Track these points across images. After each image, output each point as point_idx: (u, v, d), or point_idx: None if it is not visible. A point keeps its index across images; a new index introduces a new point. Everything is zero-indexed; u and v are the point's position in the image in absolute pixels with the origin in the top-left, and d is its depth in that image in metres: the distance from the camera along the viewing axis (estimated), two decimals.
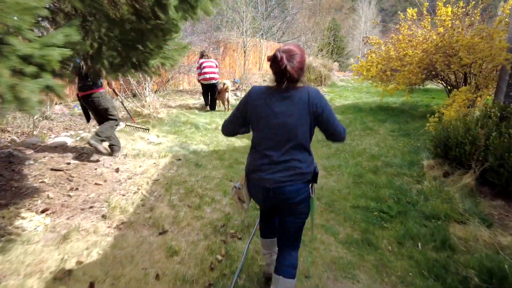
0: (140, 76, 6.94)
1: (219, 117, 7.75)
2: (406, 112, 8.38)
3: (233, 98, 10.39)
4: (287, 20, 26.19)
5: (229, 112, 6.33)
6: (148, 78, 7.04)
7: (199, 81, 8.41)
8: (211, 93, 8.44)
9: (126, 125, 5.59)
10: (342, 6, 39.61)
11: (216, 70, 8.27)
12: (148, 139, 5.26)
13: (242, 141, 5.66)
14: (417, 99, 10.65)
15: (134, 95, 7.71)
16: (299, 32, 27.40)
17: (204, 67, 8.16)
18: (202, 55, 8.36)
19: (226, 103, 8.62)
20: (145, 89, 7.19)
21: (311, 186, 1.81)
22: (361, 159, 4.76)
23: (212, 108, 8.55)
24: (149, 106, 6.68)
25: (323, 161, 4.73)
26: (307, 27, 27.35)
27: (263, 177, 1.74)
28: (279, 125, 1.69)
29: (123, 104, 5.78)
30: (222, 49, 13.69)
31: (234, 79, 12.75)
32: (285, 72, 1.65)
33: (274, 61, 1.67)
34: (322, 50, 21.40)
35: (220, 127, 5.84)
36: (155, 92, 10.41)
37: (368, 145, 5.53)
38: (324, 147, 5.47)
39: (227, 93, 8.45)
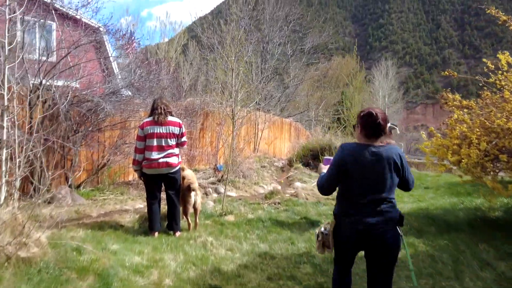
0: None
1: (175, 250, 4.39)
2: None
3: (211, 199, 7.19)
4: (288, 92, 24.81)
5: (197, 233, 5.14)
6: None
7: (135, 170, 5.29)
8: (169, 196, 5.24)
9: None
10: (352, 78, 39.31)
11: (178, 144, 5.21)
12: None
13: None
14: None
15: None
16: (303, 107, 25.90)
17: (151, 137, 5.09)
18: (152, 109, 5.19)
19: (191, 211, 5.35)
20: None
21: (399, 228, 2.47)
22: None
23: (171, 227, 5.24)
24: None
25: None
26: (312, 101, 25.99)
27: (359, 219, 2.39)
28: (371, 176, 2.40)
29: None
30: (202, 120, 10.95)
31: (216, 165, 9.75)
32: (379, 127, 2.42)
33: (370, 115, 2.44)
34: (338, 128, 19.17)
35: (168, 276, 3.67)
36: (77, 186, 7.21)
37: None
38: None
39: (193, 195, 5.25)
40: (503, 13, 6.29)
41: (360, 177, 2.38)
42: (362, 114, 2.47)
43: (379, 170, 2.38)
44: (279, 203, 7.20)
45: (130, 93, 8.28)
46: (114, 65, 11.51)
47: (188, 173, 5.49)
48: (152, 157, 5.01)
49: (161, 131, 5.01)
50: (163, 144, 5.01)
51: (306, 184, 9.50)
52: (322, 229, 2.57)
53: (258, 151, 14.06)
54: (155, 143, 5.02)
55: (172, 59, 24.05)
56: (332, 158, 2.67)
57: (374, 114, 2.41)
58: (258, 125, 13.69)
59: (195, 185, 5.31)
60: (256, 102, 14.46)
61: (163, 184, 5.22)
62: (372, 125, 2.41)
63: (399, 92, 36.30)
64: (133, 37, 15.79)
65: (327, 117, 21.48)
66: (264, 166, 12.26)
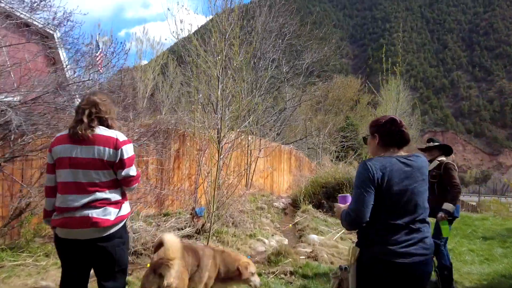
0: None
1: None
2: None
3: None
4: (284, 116, 23.15)
5: None
6: None
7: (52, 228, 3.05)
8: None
9: None
10: (356, 101, 38.17)
11: (116, 182, 3.03)
12: None
13: None
14: None
15: None
16: (302, 133, 24.28)
17: (63, 166, 2.94)
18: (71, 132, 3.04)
19: None
20: None
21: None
22: None
23: None
24: None
25: None
26: (313, 126, 24.47)
27: (395, 250, 2.20)
28: (406, 193, 2.29)
29: None
30: (177, 145, 9.04)
31: (194, 208, 7.61)
32: (403, 135, 2.40)
33: (393, 122, 2.42)
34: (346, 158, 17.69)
35: None
36: None
37: None
38: None
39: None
40: None
41: (395, 194, 2.25)
42: (383, 121, 2.44)
43: (414, 184, 2.31)
44: (292, 273, 5.05)
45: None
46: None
47: (169, 242, 3.19)
48: (64, 206, 2.85)
49: (79, 156, 2.84)
50: (83, 181, 2.84)
51: (325, 237, 7.40)
52: (344, 265, 2.45)
53: (252, 186, 12.15)
54: (69, 179, 2.86)
55: (149, 81, 22.26)
56: (347, 195, 2.60)
57: (398, 121, 2.43)
58: (251, 153, 11.70)
59: (172, 273, 3.06)
60: (249, 122, 12.50)
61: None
62: (396, 133, 2.39)
63: (412, 117, 34.70)
64: (101, 51, 14.31)
65: (333, 144, 19.72)
66: (261, 207, 10.24)
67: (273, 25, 22.02)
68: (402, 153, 2.40)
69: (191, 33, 9.25)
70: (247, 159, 12.27)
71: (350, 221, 2.33)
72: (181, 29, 8.87)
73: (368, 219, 2.25)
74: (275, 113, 20.41)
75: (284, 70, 22.91)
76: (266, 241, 7.13)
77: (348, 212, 2.35)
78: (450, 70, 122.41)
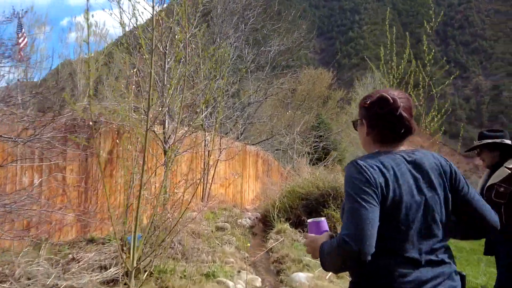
0: None
1: None
2: None
3: None
4: (248, 113, 21.66)
5: None
6: None
7: None
8: None
9: None
10: (327, 97, 37.45)
11: None
12: None
13: None
14: None
15: None
16: (267, 132, 22.98)
17: None
18: None
19: None
20: None
21: None
22: None
23: None
24: None
25: None
26: (280, 124, 23.31)
27: None
28: (420, 208, 1.76)
29: None
30: (109, 144, 7.87)
31: (123, 236, 5.78)
32: (402, 120, 1.82)
33: (384, 103, 1.83)
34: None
35: None
36: None
37: None
38: None
39: None
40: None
41: (406, 210, 1.71)
42: (369, 102, 1.89)
43: (429, 193, 1.76)
44: None
45: None
46: None
47: None
48: None
49: None
50: None
51: (313, 273, 5.76)
52: None
53: (210, 198, 10.51)
54: None
55: (91, 73, 20.29)
56: (322, 220, 1.99)
57: (391, 99, 1.82)
58: (209, 155, 10.10)
59: None
60: (207, 116, 10.77)
61: None
62: (390, 118, 1.82)
63: None
64: (24, 33, 12.49)
65: (306, 144, 18.43)
66: (222, 227, 8.50)
67: (235, 6, 20.60)
68: (402, 148, 1.87)
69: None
70: (204, 163, 10.63)
71: (346, 256, 1.62)
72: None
73: (374, 249, 1.60)
74: (238, 103, 18.84)
75: (248, 59, 21.41)
76: (231, 284, 5.35)
77: (339, 243, 1.64)
78: (423, 65, 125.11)
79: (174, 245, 6.63)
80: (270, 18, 23.03)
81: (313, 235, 1.97)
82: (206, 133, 10.95)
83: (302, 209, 9.31)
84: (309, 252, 1.98)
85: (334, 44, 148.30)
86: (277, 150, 21.86)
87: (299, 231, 8.69)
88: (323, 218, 2.01)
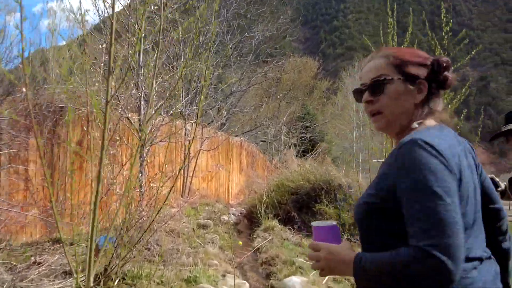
0: None
1: None
2: None
3: None
4: (231, 102, 21.23)
5: None
6: None
7: None
8: None
9: None
10: (313, 87, 37.17)
11: None
12: None
13: None
14: None
15: None
16: (250, 123, 22.60)
17: None
18: None
19: None
20: None
21: None
22: None
23: None
24: None
25: None
26: (264, 114, 22.97)
27: None
28: (476, 197, 1.50)
29: None
30: (78, 134, 7.39)
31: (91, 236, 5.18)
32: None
33: (449, 67, 1.58)
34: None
35: None
36: None
37: None
38: None
39: None
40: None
41: (471, 200, 1.44)
42: (434, 60, 1.56)
43: (475, 177, 1.53)
44: None
45: None
46: None
47: None
48: None
49: None
50: None
51: (308, 277, 5.30)
52: None
53: (191, 193, 10.00)
54: None
55: (65, 61, 19.68)
56: (334, 224, 1.57)
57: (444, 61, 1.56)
58: (190, 146, 9.60)
59: None
60: (188, 102, 10.23)
61: None
62: (447, 87, 1.59)
63: None
64: None
65: (292, 135, 18.05)
66: (204, 225, 7.97)
67: None
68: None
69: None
70: (185, 155, 9.99)
71: (429, 274, 1.21)
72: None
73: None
74: (221, 90, 18.38)
75: (230, 46, 20.91)
76: None
77: (417, 256, 1.22)
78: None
79: (151, 246, 6.10)
80: (253, 3, 22.59)
81: (326, 244, 1.52)
82: (187, 122, 10.41)
83: (292, 205, 8.89)
84: (320, 267, 1.52)
85: (318, 33, 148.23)
86: (261, 141, 21.42)
87: (289, 229, 8.25)
88: (334, 222, 1.59)
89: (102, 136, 2.20)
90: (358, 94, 1.64)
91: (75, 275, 3.29)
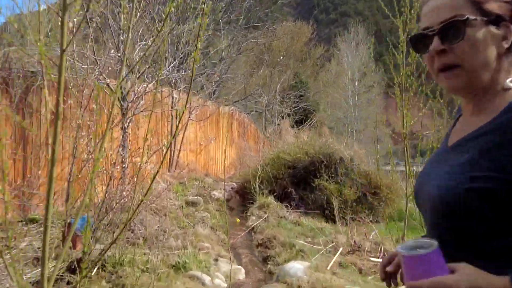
0: None
1: None
2: None
3: None
4: (220, 69, 20.68)
5: None
6: None
7: None
8: None
9: None
10: (306, 54, 36.53)
11: None
12: None
13: None
14: None
15: None
16: (240, 93, 22.19)
17: None
18: None
19: None
20: None
21: None
22: None
23: None
24: None
25: None
26: (255, 82, 22.59)
27: None
28: None
29: None
30: (53, 102, 6.29)
31: (67, 218, 4.80)
32: None
33: None
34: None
35: None
36: None
37: None
38: None
39: None
40: None
41: None
42: None
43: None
44: None
45: None
46: None
47: None
48: None
49: None
50: None
51: (310, 262, 4.95)
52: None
53: (179, 167, 9.95)
54: None
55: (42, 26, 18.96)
56: (435, 244, 1.06)
57: None
58: (177, 116, 9.21)
59: None
60: (173, 68, 9.68)
61: None
62: None
63: (376, 74, 33.47)
64: None
65: (286, 105, 17.65)
66: (193, 202, 7.58)
67: None
68: None
69: None
70: (170, 126, 9.95)
71: None
72: None
73: None
74: (209, 57, 17.86)
75: (220, 9, 20.34)
76: (207, 279, 4.44)
77: None
78: (405, 22, 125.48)
79: (135, 226, 5.68)
80: None
81: (444, 278, 1.07)
82: (174, 90, 9.92)
83: (289, 179, 8.64)
84: None
85: None
86: (252, 111, 20.97)
87: (286, 206, 8.00)
88: (435, 242, 1.08)
89: (57, 100, 1.72)
90: (420, 42, 1.27)
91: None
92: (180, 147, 10.32)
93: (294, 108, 18.89)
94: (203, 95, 12.65)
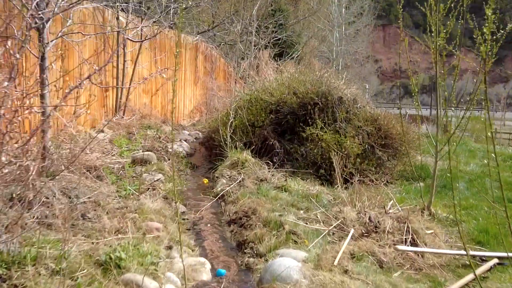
0: None
1: None
2: None
3: None
4: None
5: None
6: None
7: None
8: None
9: None
10: None
11: None
12: None
13: None
14: None
15: None
16: (208, 22, 20.81)
17: None
18: None
19: None
20: None
21: None
22: None
23: None
24: None
25: None
26: (225, 9, 21.31)
27: None
28: None
29: None
30: None
31: None
32: None
33: None
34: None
35: None
36: None
37: None
38: None
39: None
40: None
41: None
42: None
43: None
44: None
45: None
46: None
47: None
48: None
49: None
50: None
51: (309, 252, 3.80)
52: None
53: (127, 111, 9.25)
54: None
55: None
56: None
57: None
58: (123, 44, 7.97)
59: None
60: None
61: None
62: None
63: (364, 1, 32.26)
64: None
65: (264, 36, 16.41)
66: (143, 160, 6.40)
67: None
68: None
69: None
70: (118, 58, 8.87)
71: None
72: None
73: None
74: None
75: None
76: (153, 285, 3.21)
77: None
78: None
79: (50, 196, 4.32)
80: None
81: None
82: (118, 11, 8.49)
83: (271, 128, 7.65)
84: None
85: None
86: (222, 44, 19.55)
87: (267, 163, 7.00)
88: None
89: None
90: None
91: None
92: (129, 86, 8.97)
93: (273, 39, 17.65)
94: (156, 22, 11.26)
